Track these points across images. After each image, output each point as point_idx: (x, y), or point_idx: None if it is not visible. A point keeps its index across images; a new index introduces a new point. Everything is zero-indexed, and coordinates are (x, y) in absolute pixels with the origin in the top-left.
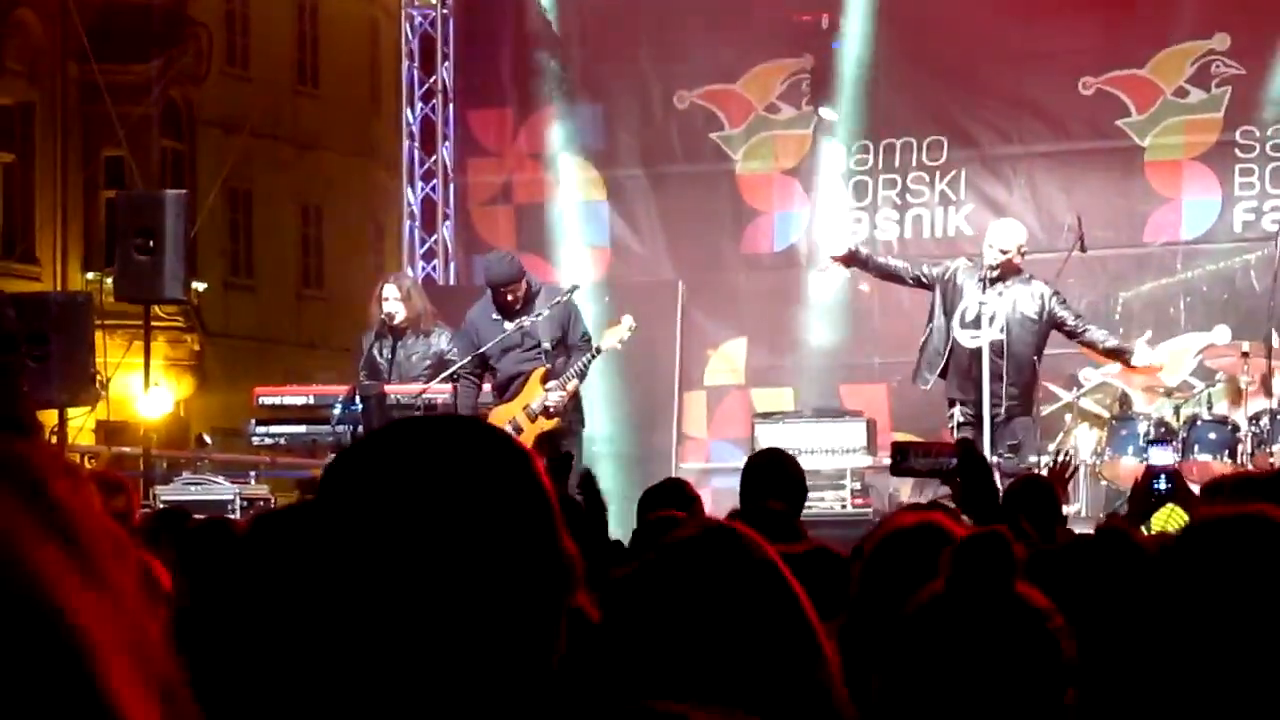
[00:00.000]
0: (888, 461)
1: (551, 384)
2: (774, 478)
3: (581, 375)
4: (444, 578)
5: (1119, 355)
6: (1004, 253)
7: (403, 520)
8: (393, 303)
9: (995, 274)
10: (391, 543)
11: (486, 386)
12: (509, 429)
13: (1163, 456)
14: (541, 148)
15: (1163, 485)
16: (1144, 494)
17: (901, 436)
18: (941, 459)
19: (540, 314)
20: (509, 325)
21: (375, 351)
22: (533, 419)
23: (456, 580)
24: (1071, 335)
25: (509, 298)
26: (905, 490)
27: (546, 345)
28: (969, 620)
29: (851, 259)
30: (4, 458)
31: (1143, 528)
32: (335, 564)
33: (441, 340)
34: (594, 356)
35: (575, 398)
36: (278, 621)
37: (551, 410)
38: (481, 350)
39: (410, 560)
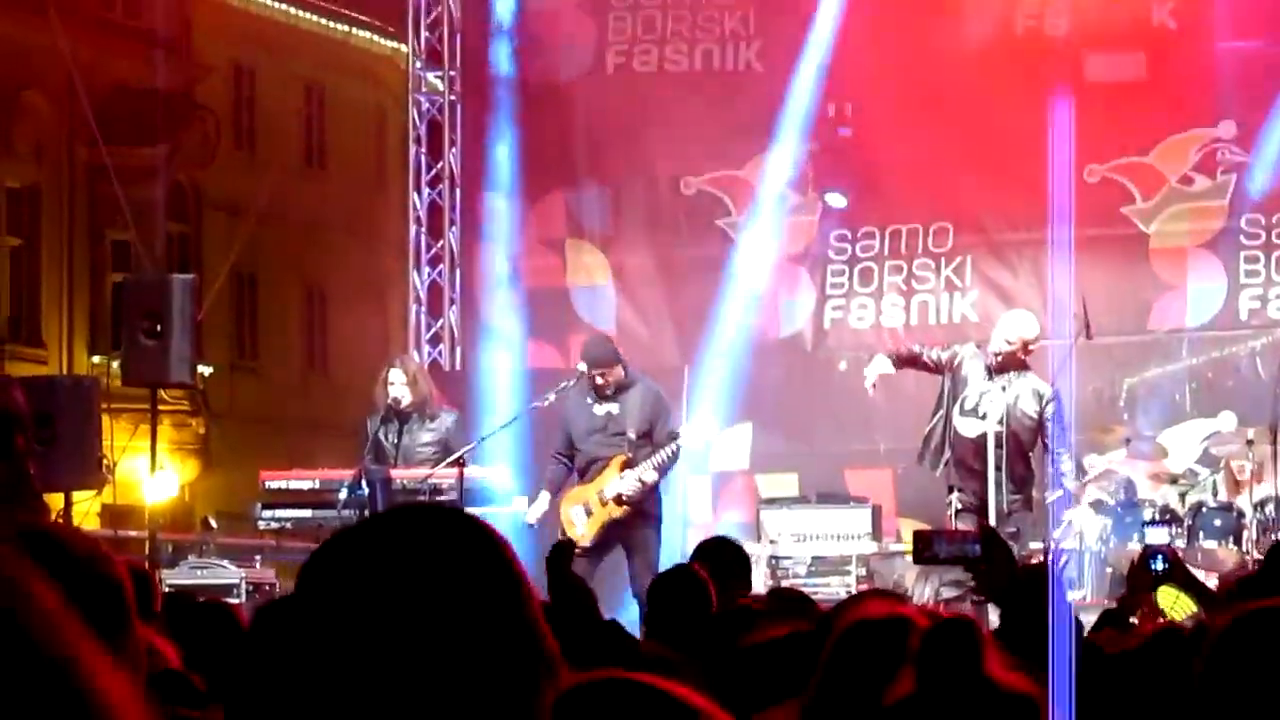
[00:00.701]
0: (893, 547)
1: (628, 473)
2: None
3: (662, 469)
4: (420, 664)
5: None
6: (1009, 343)
7: (374, 610)
8: (399, 386)
9: (998, 362)
10: (364, 632)
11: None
12: (581, 511)
13: (1159, 536)
14: (548, 232)
15: (1160, 565)
16: (1141, 573)
17: (908, 523)
18: (965, 546)
19: (630, 403)
20: (598, 410)
21: (381, 435)
22: (604, 504)
23: (432, 667)
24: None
25: (599, 380)
26: (910, 576)
27: (631, 435)
28: (943, 711)
29: (900, 364)
30: (34, 534)
31: (1143, 605)
32: (313, 654)
33: (447, 423)
34: (676, 452)
35: (654, 489)
36: (274, 709)
37: (624, 498)
38: (569, 430)
39: (385, 648)
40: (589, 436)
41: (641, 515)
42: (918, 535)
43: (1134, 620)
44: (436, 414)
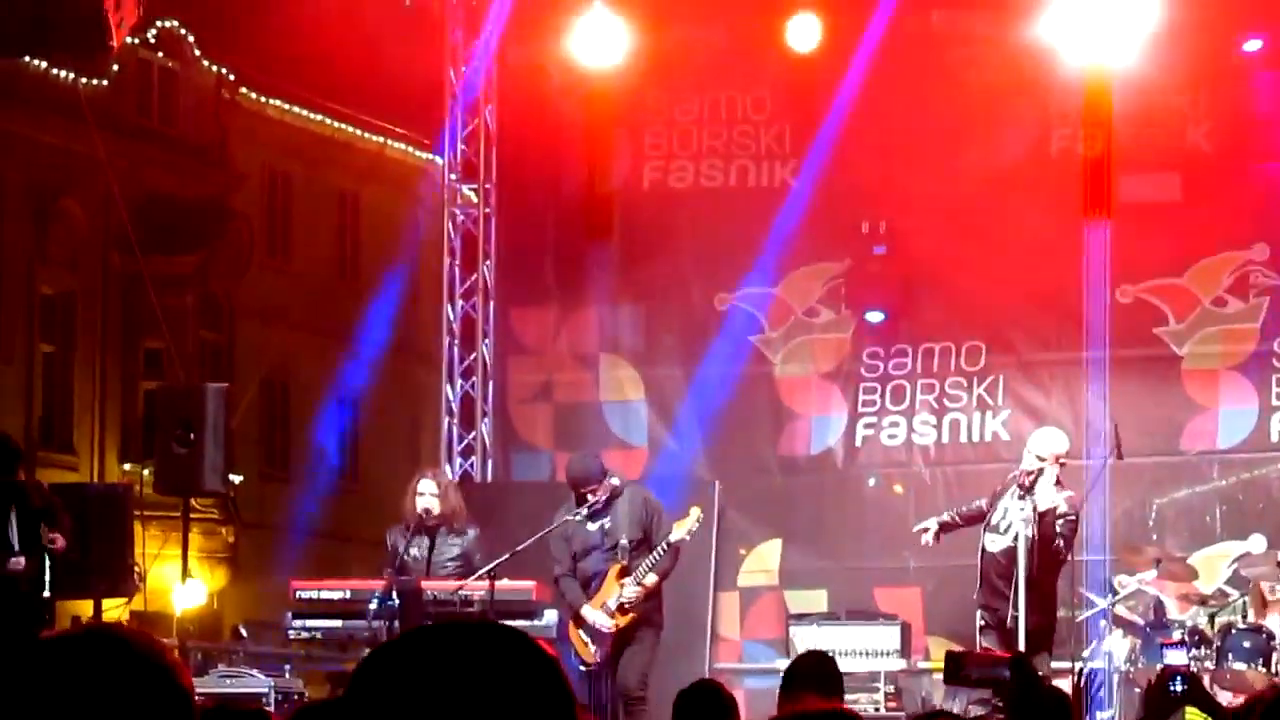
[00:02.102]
0: (921, 665)
1: (627, 580)
2: (817, 678)
3: (661, 572)
4: None
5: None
6: (1040, 459)
7: None
8: (428, 498)
9: (1030, 480)
10: None
11: None
12: (593, 629)
13: (1178, 658)
14: (582, 347)
15: (1178, 686)
16: (1160, 695)
17: (936, 640)
18: (996, 670)
19: (619, 513)
20: (591, 526)
21: (403, 547)
22: (610, 615)
23: None
24: None
25: (589, 497)
26: (938, 694)
27: (624, 542)
28: None
29: (944, 530)
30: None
31: None
32: None
33: (470, 538)
34: (665, 551)
35: (657, 595)
36: None
37: (626, 606)
38: (572, 549)
39: None
40: (588, 555)
41: (645, 621)
42: (949, 656)
43: None
44: (463, 529)
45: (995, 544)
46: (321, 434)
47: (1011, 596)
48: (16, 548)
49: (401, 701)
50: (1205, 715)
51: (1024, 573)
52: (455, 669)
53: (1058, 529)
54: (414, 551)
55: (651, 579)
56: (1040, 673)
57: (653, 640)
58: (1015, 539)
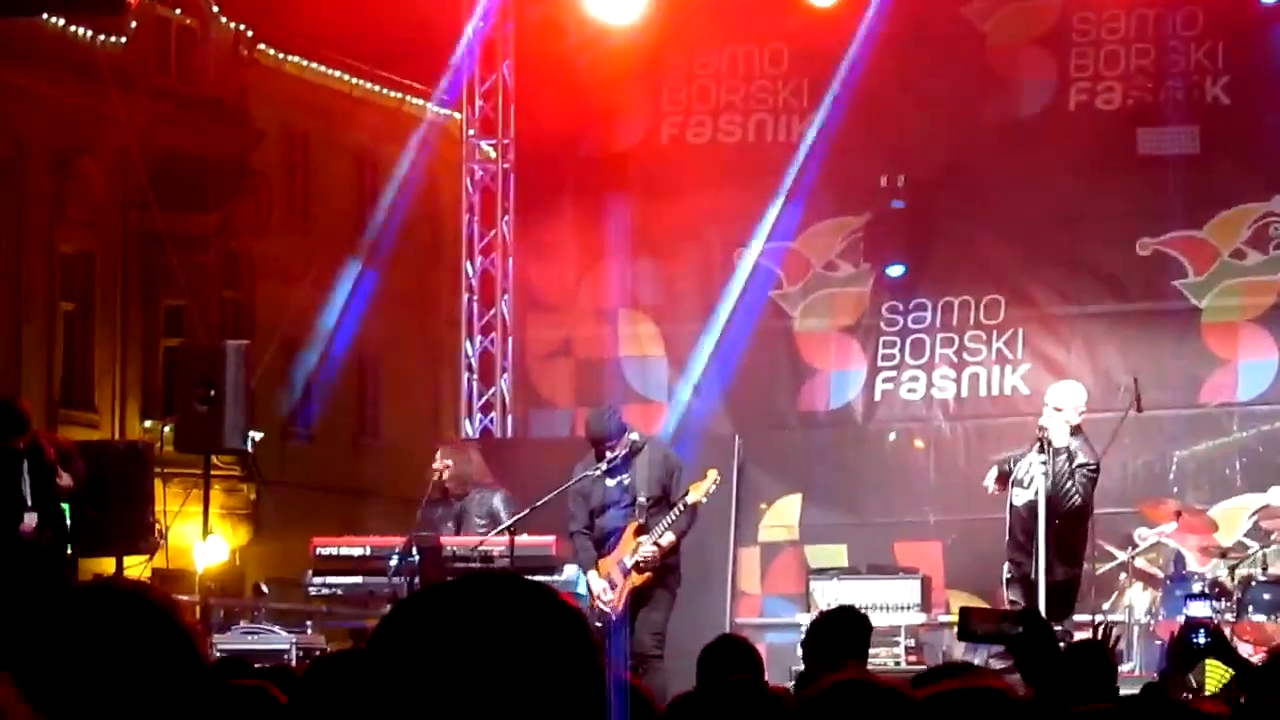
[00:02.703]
0: (942, 619)
1: (643, 538)
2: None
3: (678, 530)
4: None
5: None
6: (1057, 410)
7: (451, 678)
8: (446, 469)
9: (1046, 432)
10: (439, 698)
11: None
12: (604, 585)
13: (1201, 610)
14: (601, 302)
15: (1201, 639)
16: (1182, 647)
17: (956, 594)
18: (1005, 625)
19: (639, 469)
20: (610, 482)
21: (431, 515)
22: (625, 574)
23: None
24: None
25: (608, 453)
26: (958, 648)
27: (642, 500)
28: None
29: (1002, 481)
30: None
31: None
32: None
33: (494, 502)
34: (682, 511)
35: (674, 554)
36: None
37: (642, 565)
38: (590, 506)
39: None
40: (605, 511)
41: (660, 581)
42: (962, 612)
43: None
44: (486, 494)
45: (1020, 498)
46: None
47: (1033, 551)
48: (29, 503)
49: (426, 654)
50: (1226, 668)
51: (1044, 526)
52: (480, 621)
53: (1076, 480)
54: (441, 520)
55: (668, 538)
56: (1062, 628)
57: (668, 600)
58: (1036, 493)
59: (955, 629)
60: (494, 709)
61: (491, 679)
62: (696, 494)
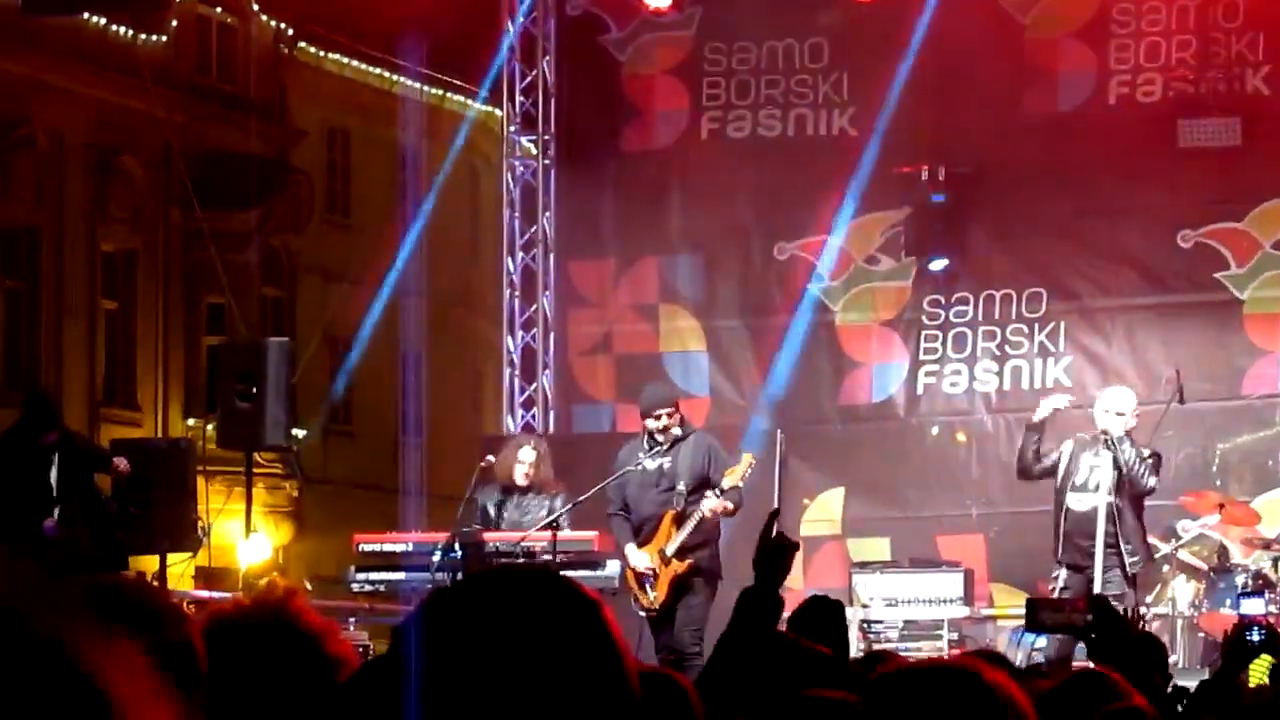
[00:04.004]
0: (985, 612)
1: (684, 526)
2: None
3: (726, 502)
4: None
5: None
6: (1119, 415)
7: (470, 672)
8: (526, 466)
9: (1106, 437)
10: (460, 694)
11: None
12: (649, 563)
13: (1255, 607)
14: (642, 298)
15: (1256, 637)
16: (1237, 645)
17: (999, 588)
18: (1075, 615)
19: (682, 455)
20: (650, 465)
21: (491, 506)
22: (666, 562)
23: None
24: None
25: (662, 423)
26: (1002, 641)
27: (681, 487)
28: None
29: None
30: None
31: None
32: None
33: (557, 504)
34: (718, 496)
35: (713, 546)
36: None
37: (717, 511)
38: (620, 485)
39: (481, 710)
40: (642, 493)
41: (701, 571)
42: (1030, 603)
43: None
44: (553, 495)
45: (1082, 503)
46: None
47: (1096, 555)
48: (56, 497)
49: (440, 651)
50: (1269, 659)
51: (1112, 524)
52: (497, 615)
53: (1147, 464)
54: (506, 514)
55: (720, 504)
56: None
57: (708, 594)
58: (1102, 494)
59: (1003, 620)
60: (510, 703)
61: (507, 674)
62: (732, 479)
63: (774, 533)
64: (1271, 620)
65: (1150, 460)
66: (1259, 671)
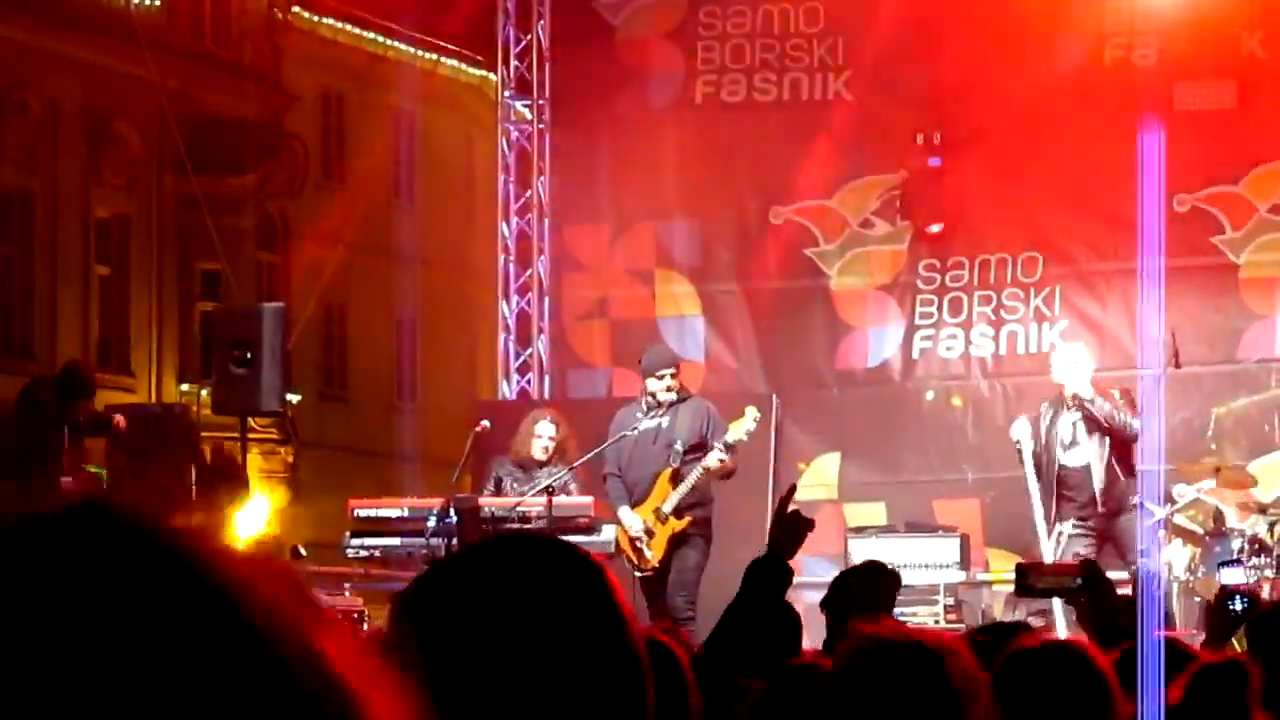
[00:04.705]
0: (981, 577)
1: (680, 486)
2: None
3: (720, 473)
4: (521, 695)
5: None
6: (1075, 364)
7: (476, 640)
8: (546, 440)
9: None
10: (465, 660)
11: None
12: (643, 525)
13: (1235, 577)
14: (637, 263)
15: (1238, 605)
16: (1221, 615)
17: (995, 553)
18: (1064, 579)
19: (680, 416)
20: (648, 423)
21: (505, 477)
22: (663, 521)
23: (533, 698)
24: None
25: (665, 383)
26: (998, 607)
27: (678, 446)
28: None
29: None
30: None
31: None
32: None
33: (567, 477)
34: (722, 451)
35: (709, 507)
36: None
37: (717, 469)
38: (614, 446)
39: (487, 677)
40: (636, 451)
41: (696, 532)
42: (1019, 568)
43: None
44: (564, 469)
45: (1073, 459)
46: (379, 353)
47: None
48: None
49: (445, 620)
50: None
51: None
52: (500, 583)
53: (1126, 415)
54: (515, 485)
55: (715, 460)
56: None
57: (702, 556)
58: (1089, 445)
59: (999, 585)
60: (513, 670)
61: (512, 641)
62: (736, 432)
63: (790, 507)
64: (1253, 586)
65: (1123, 400)
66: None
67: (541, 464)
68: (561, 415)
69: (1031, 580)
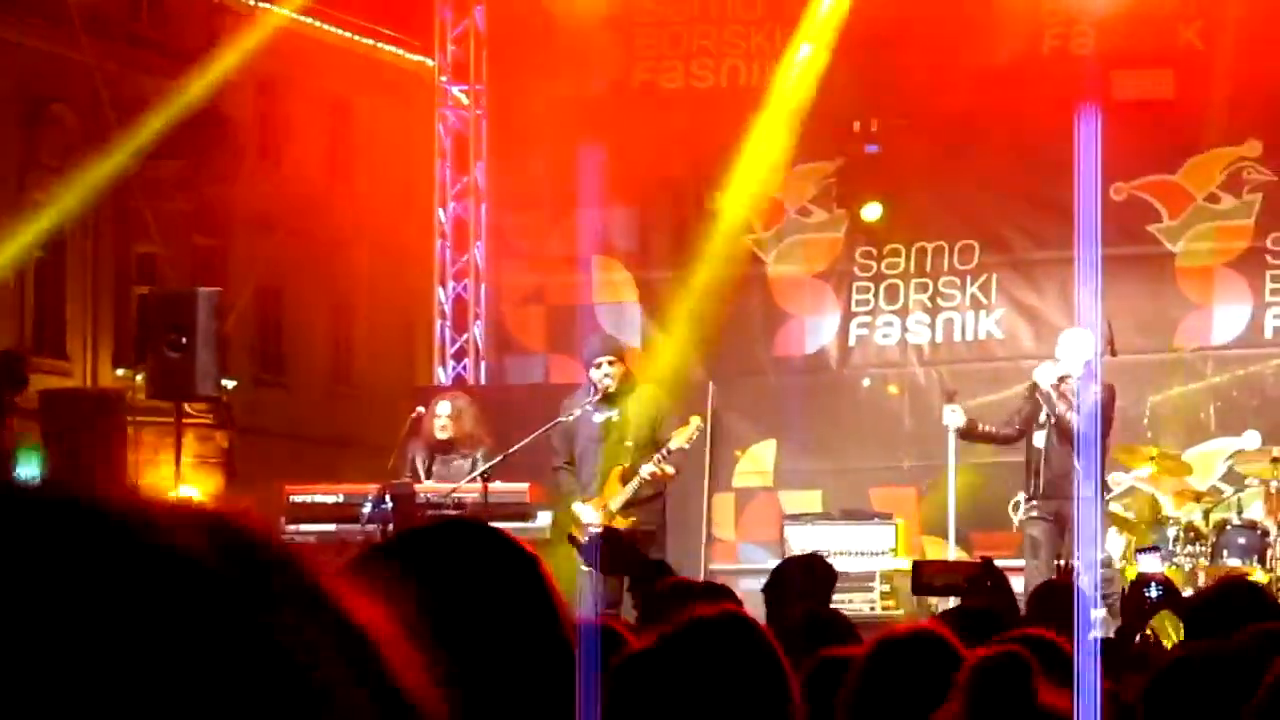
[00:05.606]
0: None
1: (629, 483)
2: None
3: (659, 481)
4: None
5: None
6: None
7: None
8: (443, 420)
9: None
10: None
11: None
12: (597, 516)
13: (1152, 564)
14: (574, 248)
15: (1154, 593)
16: (1135, 602)
17: (931, 540)
18: (956, 577)
19: (629, 408)
20: (598, 418)
21: (420, 462)
22: (610, 519)
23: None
24: None
25: (603, 371)
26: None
27: (629, 443)
28: None
29: (967, 434)
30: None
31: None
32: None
33: (480, 459)
34: (663, 458)
35: (661, 501)
36: None
37: (655, 475)
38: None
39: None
40: (589, 446)
41: (647, 528)
42: (915, 565)
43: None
44: (478, 448)
45: (1044, 439)
46: (315, 338)
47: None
48: None
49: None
50: (1179, 620)
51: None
52: (432, 569)
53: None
54: (435, 469)
55: (657, 467)
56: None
57: (659, 543)
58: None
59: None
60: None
61: (441, 626)
62: (679, 440)
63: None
64: (1167, 576)
65: (1104, 393)
66: (1172, 630)
67: (446, 445)
68: (470, 398)
69: (927, 579)
